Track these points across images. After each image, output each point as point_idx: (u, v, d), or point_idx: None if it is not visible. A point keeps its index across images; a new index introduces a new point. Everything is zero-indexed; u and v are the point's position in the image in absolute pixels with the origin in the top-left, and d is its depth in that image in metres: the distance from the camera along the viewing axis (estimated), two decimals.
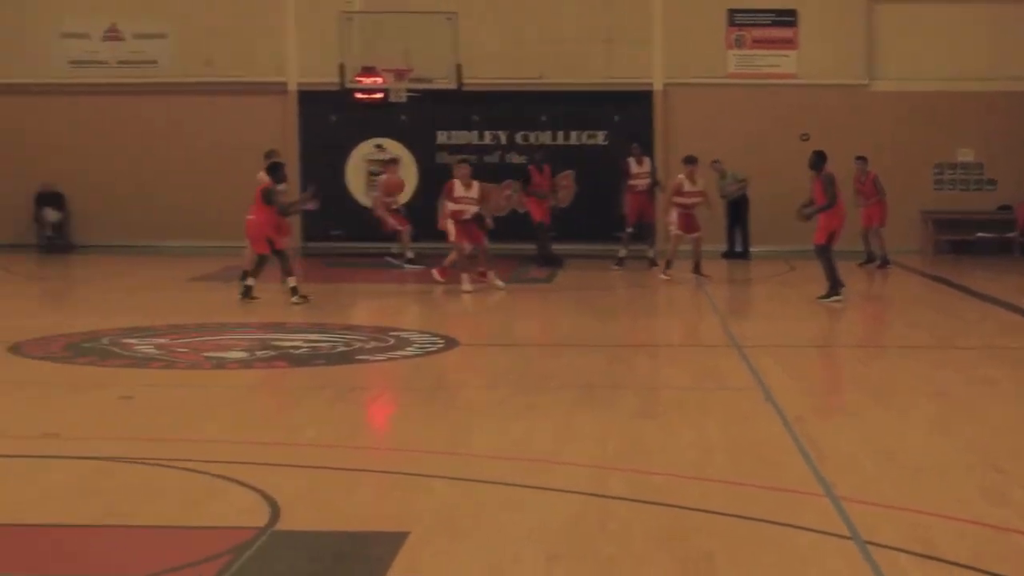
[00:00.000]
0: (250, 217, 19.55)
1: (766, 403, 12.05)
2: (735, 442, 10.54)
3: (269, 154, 21.20)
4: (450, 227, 20.98)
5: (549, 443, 10.52)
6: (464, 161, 21.98)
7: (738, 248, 27.01)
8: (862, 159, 25.43)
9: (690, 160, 23.07)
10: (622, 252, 24.70)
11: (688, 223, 22.61)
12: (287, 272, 19.43)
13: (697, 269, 22.59)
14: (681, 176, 22.79)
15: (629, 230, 24.73)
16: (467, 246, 20.91)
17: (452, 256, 21.44)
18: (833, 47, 28.46)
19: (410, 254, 24.21)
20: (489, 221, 21.81)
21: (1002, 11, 28.41)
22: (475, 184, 21.14)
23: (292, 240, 26.83)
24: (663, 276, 22.47)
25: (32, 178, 28.67)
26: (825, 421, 11.53)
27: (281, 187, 20.22)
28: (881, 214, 25.06)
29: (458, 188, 21.01)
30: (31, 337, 15.75)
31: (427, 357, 14.85)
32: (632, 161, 24.83)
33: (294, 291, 19.20)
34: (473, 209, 21.02)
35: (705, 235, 23.05)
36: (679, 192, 22.63)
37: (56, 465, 9.73)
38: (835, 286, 19.51)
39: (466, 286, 20.79)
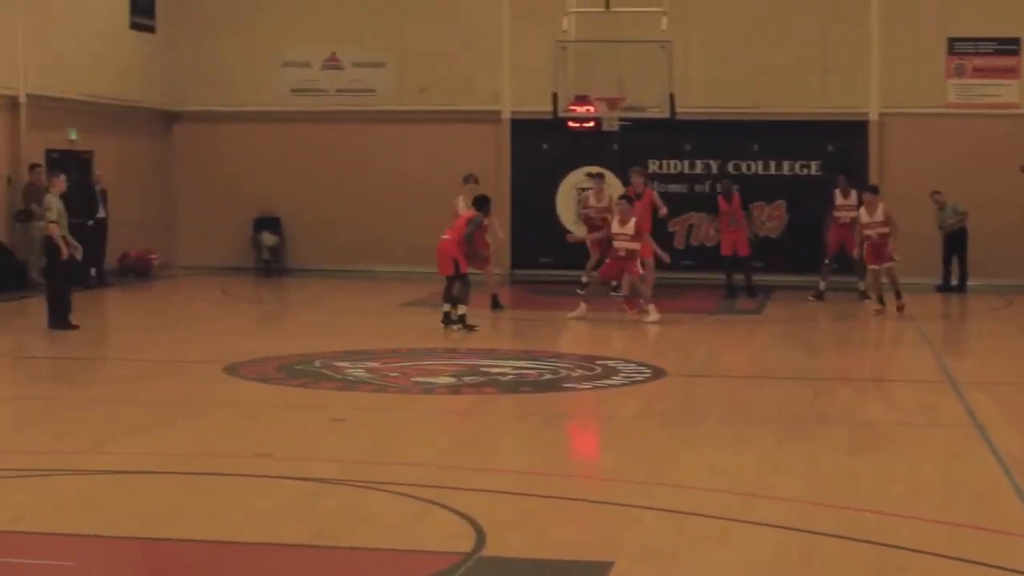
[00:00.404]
0: (445, 237, 19.63)
1: (981, 441, 11.76)
2: (948, 480, 10.33)
3: (467, 178, 21.35)
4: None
5: (756, 476, 10.42)
6: (624, 197, 21.65)
7: (954, 281, 26.42)
8: None
9: (871, 190, 22.66)
10: (822, 284, 24.23)
11: (872, 254, 22.13)
12: (463, 299, 19.39)
13: (881, 299, 22.11)
14: (861, 208, 22.34)
15: (827, 262, 24.27)
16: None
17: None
18: None
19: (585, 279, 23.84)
20: (664, 255, 21.72)
21: None
22: (632, 220, 20.80)
23: (500, 267, 27.11)
24: (874, 308, 22.07)
25: (251, 203, 29.41)
26: None
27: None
28: None
29: (615, 225, 20.87)
30: (247, 358, 16.10)
31: (634, 386, 14.81)
32: (838, 193, 24.39)
33: (462, 319, 19.22)
34: (629, 246, 20.62)
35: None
36: (860, 224, 22.22)
37: (268, 485, 9.93)
38: None
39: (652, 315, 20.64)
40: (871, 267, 22.19)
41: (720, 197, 24.99)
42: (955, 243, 26.42)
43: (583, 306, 20.93)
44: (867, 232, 22.16)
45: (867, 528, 8.84)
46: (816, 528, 8.80)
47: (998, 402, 14.08)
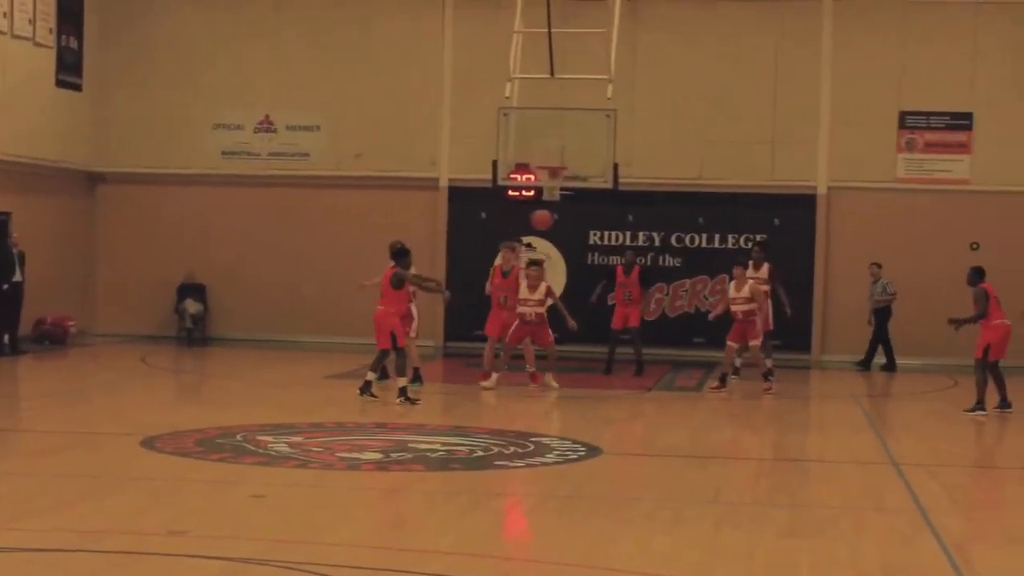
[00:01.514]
0: (379, 308, 19.24)
1: (924, 526, 11.48)
2: (889, 566, 10.08)
3: (394, 245, 20.82)
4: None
5: (694, 560, 10.11)
6: (535, 263, 22.10)
7: (882, 360, 26.31)
8: None
9: (741, 263, 22.46)
10: (738, 361, 23.95)
11: (736, 331, 21.82)
12: (400, 371, 19.10)
13: (724, 378, 21.86)
14: (731, 282, 22.08)
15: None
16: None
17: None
18: (1009, 152, 27.61)
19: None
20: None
21: None
22: (542, 286, 21.26)
23: (434, 339, 26.80)
24: (712, 386, 21.79)
25: (175, 268, 28.90)
26: (987, 547, 10.95)
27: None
28: None
29: (523, 291, 21.16)
30: (165, 431, 15.63)
31: (568, 465, 14.45)
32: (751, 264, 23.73)
33: (402, 392, 18.85)
34: (536, 311, 21.11)
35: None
36: (728, 298, 21.91)
37: (183, 565, 9.53)
38: (980, 402, 19.29)
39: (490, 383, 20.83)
40: (729, 343, 21.84)
41: (620, 268, 24.64)
42: (877, 320, 26.34)
43: (495, 376, 20.99)
44: (733, 308, 21.80)
45: None
46: None
47: (943, 485, 13.86)
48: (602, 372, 23.66)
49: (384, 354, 19.21)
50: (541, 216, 23.88)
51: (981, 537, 11.44)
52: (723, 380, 21.75)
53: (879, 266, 26.55)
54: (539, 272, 21.59)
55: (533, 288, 21.21)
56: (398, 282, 19.20)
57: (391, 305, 19.18)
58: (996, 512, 13.14)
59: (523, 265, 22.39)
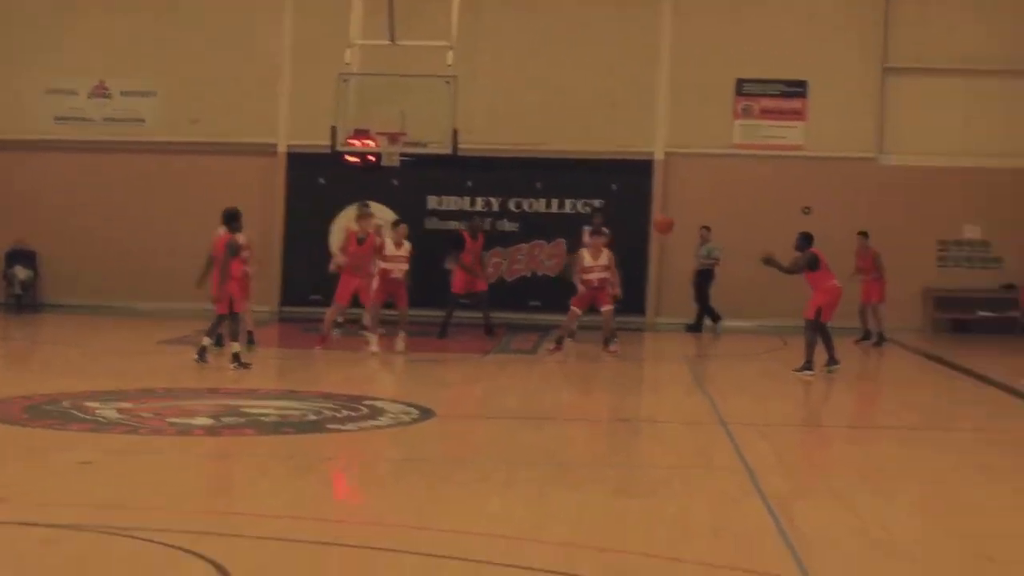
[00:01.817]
0: (216, 276, 19.03)
1: (750, 483, 11.63)
2: (716, 523, 10.15)
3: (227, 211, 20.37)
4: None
5: (525, 520, 10.14)
6: (400, 222, 22.21)
7: (696, 320, 26.84)
8: (863, 234, 25.13)
9: (595, 232, 22.52)
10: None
11: (588, 297, 21.98)
12: (233, 336, 18.95)
13: (606, 344, 22.06)
14: (584, 251, 22.18)
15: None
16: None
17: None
18: (842, 119, 28.21)
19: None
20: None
21: (1014, 86, 28.17)
22: (407, 244, 21.57)
23: (270, 304, 26.67)
24: (551, 348, 21.98)
25: (4, 235, 28.32)
26: (810, 504, 11.13)
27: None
28: (880, 291, 24.76)
29: (389, 247, 21.33)
30: None
31: (401, 428, 14.43)
32: (587, 231, 23.98)
33: (235, 357, 18.69)
34: (402, 267, 21.37)
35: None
36: (582, 267, 22.07)
37: (2, 531, 9.29)
38: (809, 362, 19.61)
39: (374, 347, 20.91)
40: (574, 308, 22.00)
41: (466, 233, 24.70)
42: (700, 282, 26.73)
43: (375, 338, 21.05)
44: (589, 276, 21.89)
45: (630, 571, 8.68)
46: (580, 572, 8.59)
47: (770, 444, 14.04)
48: (436, 336, 23.68)
49: (221, 319, 19.03)
50: (663, 222, 23.23)
51: (806, 495, 11.61)
52: (559, 342, 21.89)
53: (708, 229, 26.92)
54: (404, 230, 21.76)
55: (399, 245, 21.42)
56: (233, 251, 18.97)
57: (226, 272, 18.95)
58: (821, 470, 13.39)
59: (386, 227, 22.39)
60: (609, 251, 21.99)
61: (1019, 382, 18.57)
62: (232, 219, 19.27)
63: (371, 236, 21.54)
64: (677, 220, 27.01)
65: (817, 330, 19.80)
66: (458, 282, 24.28)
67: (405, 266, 21.46)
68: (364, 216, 21.84)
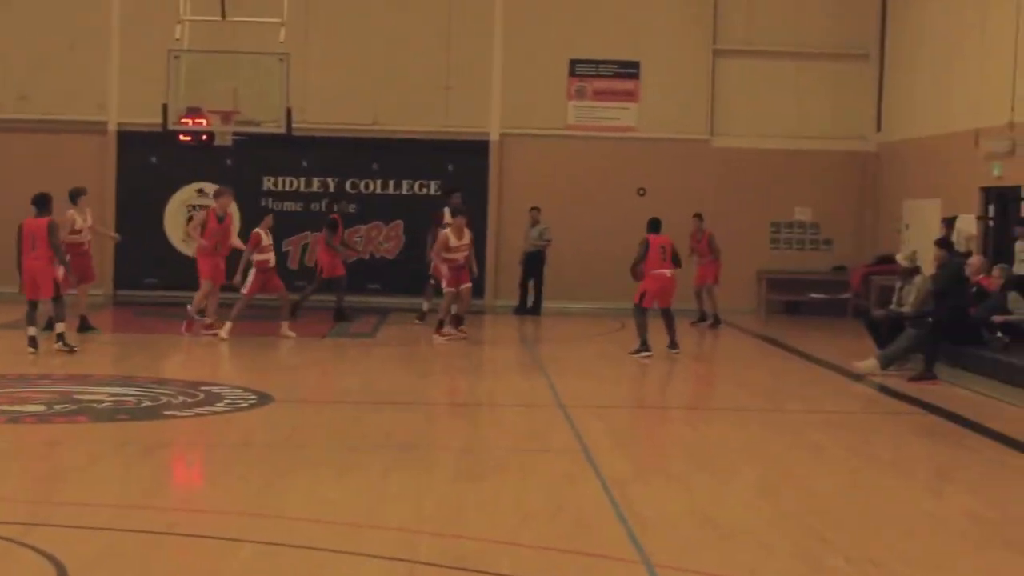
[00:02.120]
0: (33, 258, 18.54)
1: (587, 465, 11.73)
2: (553, 506, 10.23)
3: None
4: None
5: (363, 506, 10.14)
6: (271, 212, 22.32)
7: (530, 304, 26.90)
8: (698, 216, 25.40)
9: (456, 212, 22.58)
10: (425, 306, 24.45)
11: (455, 276, 22.01)
12: (59, 318, 18.56)
13: (459, 323, 22.15)
14: (447, 230, 22.17)
15: (432, 282, 24.13)
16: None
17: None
18: (675, 100, 28.49)
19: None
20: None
21: (843, 70, 28.70)
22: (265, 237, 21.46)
23: (103, 287, 26.22)
24: (440, 338, 21.92)
25: None
26: (646, 485, 11.22)
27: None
28: (715, 273, 25.05)
29: (265, 239, 21.28)
30: None
31: (238, 413, 14.29)
32: (447, 212, 24.01)
33: (60, 338, 18.37)
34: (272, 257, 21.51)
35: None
36: (447, 246, 22.13)
37: None
38: (644, 344, 19.77)
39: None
40: (450, 289, 22.02)
41: (338, 217, 24.59)
42: (533, 265, 26.86)
43: (229, 325, 20.85)
44: (453, 255, 21.92)
45: (469, 556, 8.69)
46: (419, 558, 8.58)
47: (607, 426, 14.16)
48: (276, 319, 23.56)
49: (33, 305, 18.58)
50: None
51: (643, 477, 11.69)
52: (442, 326, 21.75)
53: (538, 210, 27.04)
54: (270, 220, 21.86)
55: (269, 233, 21.48)
56: (54, 233, 18.55)
57: (46, 254, 18.52)
58: (658, 452, 13.53)
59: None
60: (469, 230, 22.01)
61: (851, 363, 18.93)
62: (41, 204, 18.80)
63: (229, 215, 21.40)
64: (515, 201, 27.18)
65: (644, 313, 19.95)
66: (327, 265, 24.14)
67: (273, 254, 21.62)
68: (224, 194, 21.66)
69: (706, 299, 25.12)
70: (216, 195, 21.72)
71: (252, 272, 21.08)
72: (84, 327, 20.70)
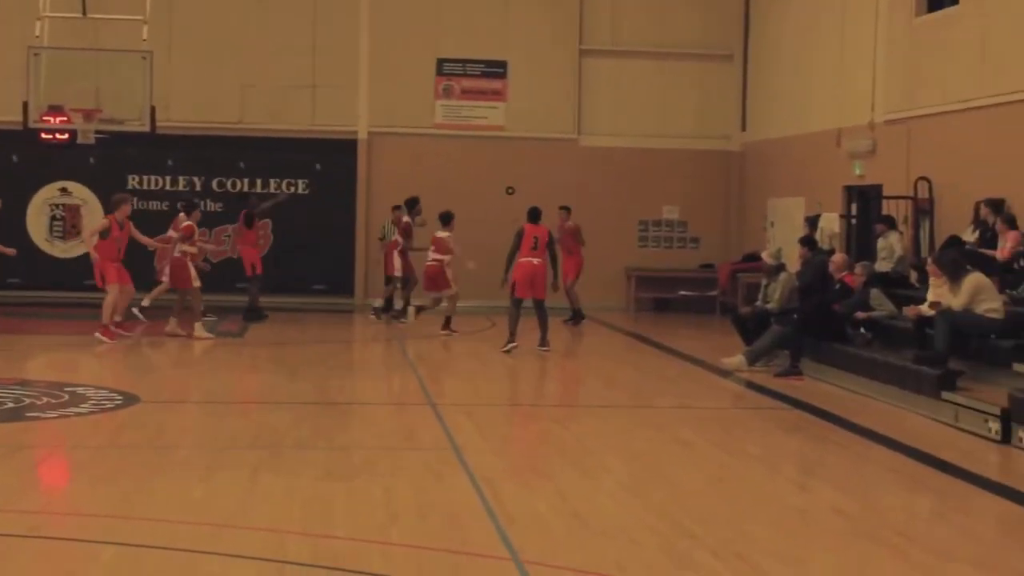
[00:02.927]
0: None
1: (457, 463, 11.73)
2: (423, 504, 10.23)
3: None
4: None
5: (231, 506, 10.04)
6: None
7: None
8: (565, 209, 25.34)
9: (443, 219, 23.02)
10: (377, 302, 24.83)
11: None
12: None
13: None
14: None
15: None
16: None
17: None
18: (543, 100, 28.62)
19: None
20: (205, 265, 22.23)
21: (708, 70, 29.02)
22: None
23: None
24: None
25: None
26: (515, 483, 11.24)
27: None
28: (576, 268, 25.04)
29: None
30: None
31: (104, 414, 14.09)
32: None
33: None
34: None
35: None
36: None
37: None
38: (511, 336, 20.17)
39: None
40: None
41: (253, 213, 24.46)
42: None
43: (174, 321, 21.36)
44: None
45: (339, 555, 8.65)
46: (287, 557, 8.53)
47: (476, 424, 14.15)
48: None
49: None
50: None
51: (510, 473, 11.73)
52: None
53: (402, 209, 26.90)
54: (198, 215, 22.47)
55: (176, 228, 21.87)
56: None
57: None
58: (527, 449, 13.56)
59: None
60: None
61: (719, 360, 19.11)
62: None
63: (128, 223, 21.14)
64: (384, 200, 27.11)
65: (515, 305, 20.21)
66: (257, 261, 24.13)
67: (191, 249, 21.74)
68: (125, 201, 21.51)
69: (570, 295, 25.08)
70: (117, 202, 21.39)
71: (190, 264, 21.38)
72: None
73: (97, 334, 20.46)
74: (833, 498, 10.97)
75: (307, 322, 24.22)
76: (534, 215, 20.57)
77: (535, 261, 20.23)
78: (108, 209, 21.78)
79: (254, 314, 23.97)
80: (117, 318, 20.96)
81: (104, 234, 20.88)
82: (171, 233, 22.27)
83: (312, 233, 27.40)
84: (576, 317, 24.93)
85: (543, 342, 20.29)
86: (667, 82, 28.98)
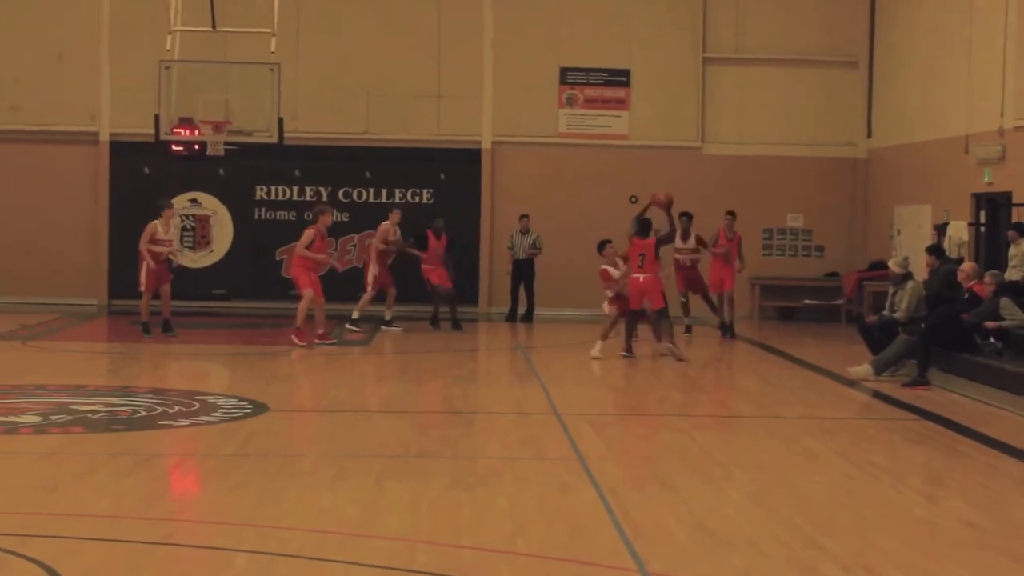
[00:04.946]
0: None
1: (583, 473, 11.74)
2: (549, 515, 10.25)
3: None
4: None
5: (357, 514, 10.12)
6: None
7: (523, 311, 26.95)
8: (730, 214, 24.80)
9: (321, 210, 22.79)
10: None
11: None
12: None
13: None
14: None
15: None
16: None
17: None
18: (666, 108, 28.55)
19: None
20: None
21: (832, 76, 28.77)
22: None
23: (98, 297, 26.27)
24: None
25: None
26: (641, 493, 11.22)
27: None
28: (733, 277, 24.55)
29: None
30: None
31: (233, 423, 14.28)
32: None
33: None
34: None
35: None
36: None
37: None
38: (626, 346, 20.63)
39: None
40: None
41: (431, 232, 24.72)
42: (525, 273, 26.86)
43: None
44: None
45: (467, 565, 8.70)
46: (415, 567, 8.59)
47: (600, 434, 14.16)
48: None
49: None
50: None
51: (635, 483, 11.70)
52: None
53: (528, 218, 27.05)
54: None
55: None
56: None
57: None
58: (652, 459, 13.52)
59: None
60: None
61: (845, 369, 18.96)
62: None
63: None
64: (508, 209, 27.22)
65: (633, 316, 20.68)
66: (433, 277, 24.56)
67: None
68: (327, 211, 22.35)
69: (726, 306, 24.44)
70: (318, 212, 22.04)
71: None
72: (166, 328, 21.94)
73: (293, 337, 21.17)
74: (962, 510, 10.85)
75: (431, 331, 24.35)
76: (644, 229, 20.59)
77: (641, 278, 20.34)
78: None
79: (456, 325, 24.48)
80: (320, 330, 21.36)
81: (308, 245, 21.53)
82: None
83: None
84: (725, 330, 24.37)
85: (668, 348, 20.34)
86: (791, 89, 28.78)
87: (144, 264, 21.85)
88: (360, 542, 9.25)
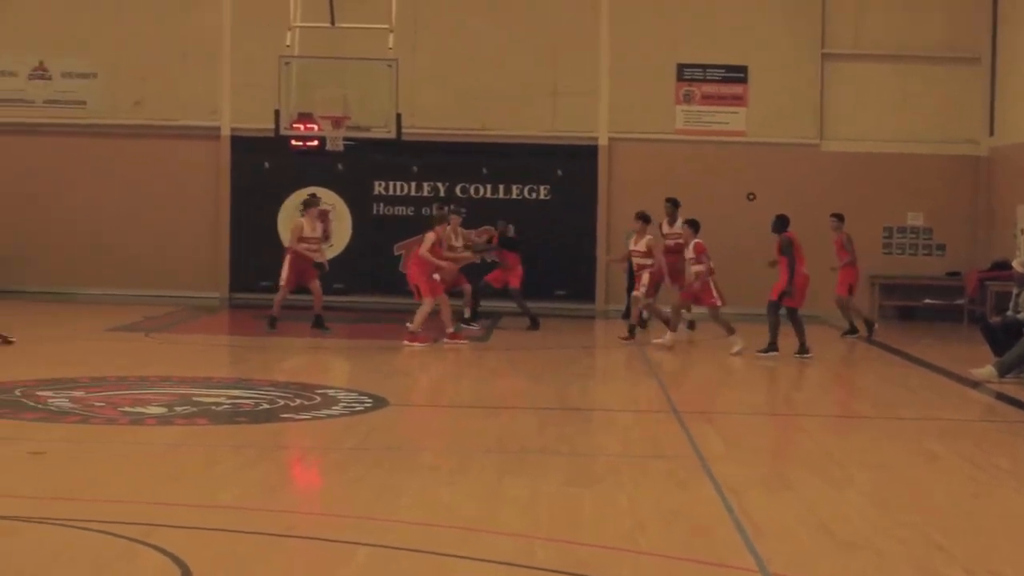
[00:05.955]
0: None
1: (702, 472, 11.71)
2: (669, 513, 10.23)
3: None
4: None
5: (476, 510, 10.16)
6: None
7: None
8: (836, 217, 24.50)
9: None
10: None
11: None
12: None
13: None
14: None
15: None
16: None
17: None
18: (784, 105, 28.33)
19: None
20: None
21: (953, 73, 28.39)
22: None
23: (219, 290, 26.59)
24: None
25: None
26: (761, 492, 11.16)
27: None
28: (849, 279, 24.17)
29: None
30: None
31: (354, 417, 14.42)
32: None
33: None
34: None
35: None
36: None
37: None
38: (773, 344, 20.28)
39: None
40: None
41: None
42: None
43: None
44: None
45: (587, 562, 8.68)
46: (535, 563, 8.60)
47: (720, 432, 14.11)
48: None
49: None
50: None
51: (755, 482, 11.61)
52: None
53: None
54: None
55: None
56: None
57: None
58: (772, 458, 13.47)
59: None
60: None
61: (967, 370, 18.73)
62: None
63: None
64: (625, 205, 27.15)
65: (776, 312, 20.38)
66: (496, 274, 24.68)
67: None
68: (445, 219, 22.52)
69: (848, 308, 24.13)
70: (437, 220, 22.07)
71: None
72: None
73: (409, 341, 21.08)
74: None
75: (548, 327, 24.37)
76: (787, 222, 20.69)
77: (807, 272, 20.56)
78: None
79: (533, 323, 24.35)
80: (450, 329, 21.48)
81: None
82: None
83: (554, 239, 27.56)
84: (852, 331, 24.04)
85: (801, 349, 20.45)
86: (911, 86, 28.44)
87: (287, 259, 21.97)
88: (479, 537, 9.29)
